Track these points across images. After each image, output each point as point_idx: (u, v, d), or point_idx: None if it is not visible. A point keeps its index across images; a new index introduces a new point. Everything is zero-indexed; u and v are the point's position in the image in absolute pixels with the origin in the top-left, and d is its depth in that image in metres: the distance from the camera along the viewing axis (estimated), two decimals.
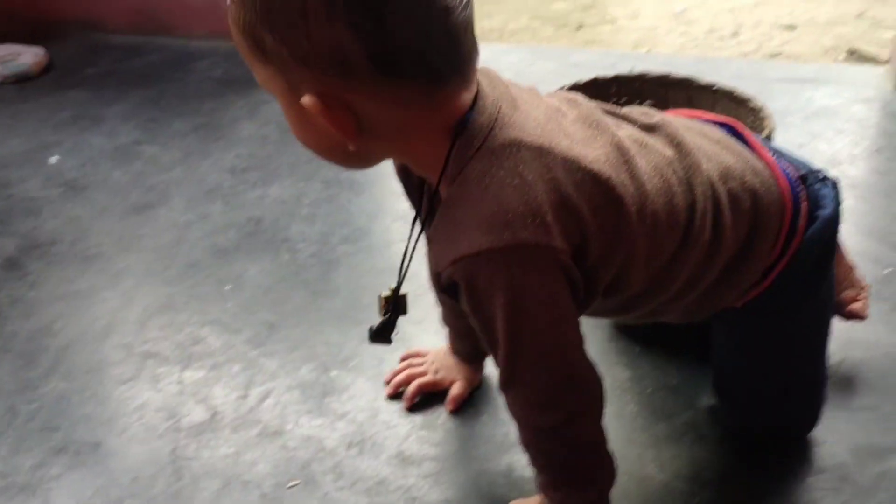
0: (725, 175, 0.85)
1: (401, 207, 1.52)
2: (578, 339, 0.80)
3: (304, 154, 1.73)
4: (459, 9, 0.69)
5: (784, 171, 0.91)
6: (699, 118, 0.96)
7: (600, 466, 0.85)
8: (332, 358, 1.19)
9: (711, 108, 1.44)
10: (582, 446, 0.83)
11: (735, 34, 3.05)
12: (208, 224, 1.52)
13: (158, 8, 2.33)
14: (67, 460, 1.06)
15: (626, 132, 0.82)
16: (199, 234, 1.49)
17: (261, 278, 1.37)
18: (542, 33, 3.17)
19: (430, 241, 0.81)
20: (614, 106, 0.88)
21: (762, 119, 1.29)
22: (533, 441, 0.85)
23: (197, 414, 1.12)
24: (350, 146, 0.73)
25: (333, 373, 1.17)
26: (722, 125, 0.95)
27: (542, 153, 0.73)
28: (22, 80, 2.13)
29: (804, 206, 0.89)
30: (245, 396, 1.14)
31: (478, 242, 0.72)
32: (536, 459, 0.86)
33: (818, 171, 0.93)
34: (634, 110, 0.88)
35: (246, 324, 1.27)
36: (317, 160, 1.61)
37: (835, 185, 0.92)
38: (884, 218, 1.39)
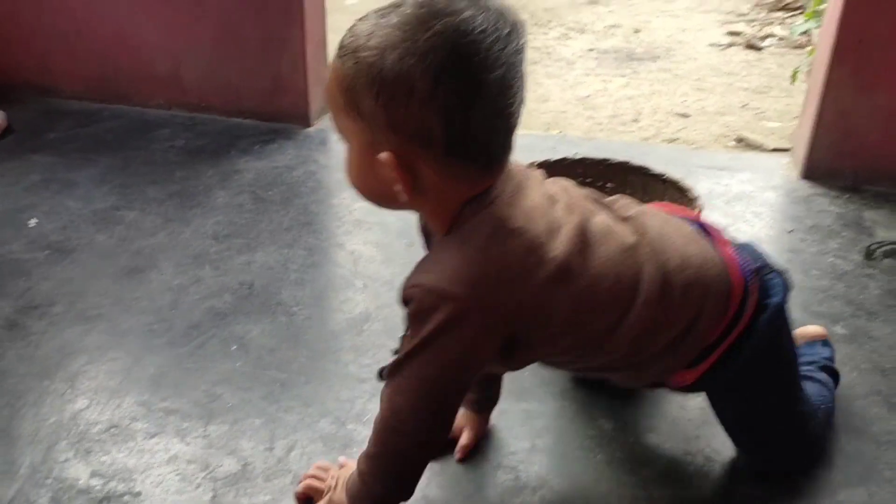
0: (684, 265, 1.03)
1: (385, 274, 1.66)
2: (465, 390, 1.00)
3: (282, 222, 1.86)
4: (516, 114, 0.91)
5: (742, 264, 1.08)
6: (679, 214, 1.16)
7: (403, 489, 1.03)
8: (345, 413, 1.31)
9: (662, 195, 1.67)
10: (410, 464, 1.02)
11: (635, 120, 3.36)
12: (202, 288, 1.60)
13: (117, 76, 2.40)
14: None
15: (599, 219, 1.01)
16: (194, 297, 1.58)
17: (263, 339, 1.47)
18: None
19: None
20: (602, 194, 1.07)
21: (695, 206, 1.51)
22: (380, 425, 1.00)
23: (229, 465, 1.21)
24: (403, 198, 0.92)
25: (350, 426, 1.28)
26: (695, 221, 1.14)
27: (514, 234, 0.93)
28: None
29: (753, 298, 1.07)
30: (272, 448, 1.24)
31: (437, 281, 0.91)
32: (373, 439, 1.02)
33: (769, 265, 1.11)
34: (621, 201, 1.08)
35: (258, 382, 1.37)
36: (296, 229, 1.75)
37: (781, 275, 1.12)
38: (802, 292, 1.62)
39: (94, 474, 1.19)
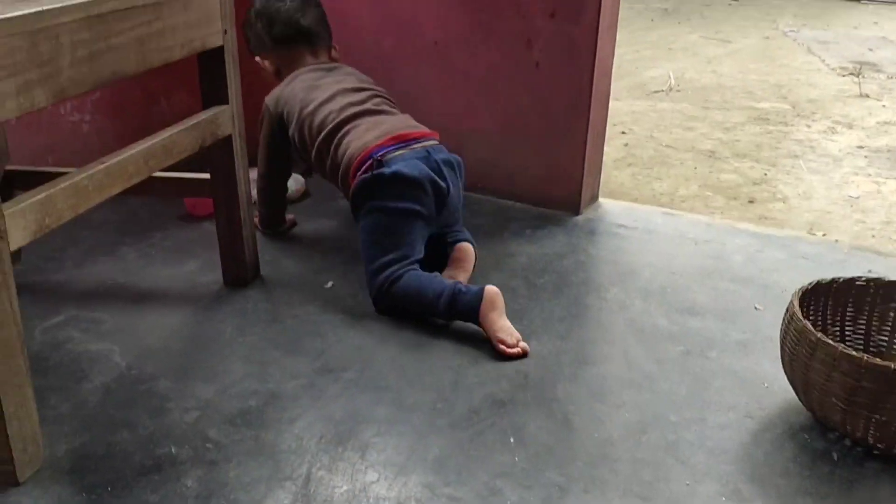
0: (349, 144, 1.96)
1: (661, 385, 1.63)
2: (272, 153, 2.15)
3: (553, 311, 1.89)
4: (302, 20, 2.18)
5: (372, 156, 1.89)
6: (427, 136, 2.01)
7: (262, 201, 2.21)
8: None
9: None
10: (263, 188, 2.20)
11: None
12: (480, 371, 1.65)
13: None
14: None
15: (347, 100, 2.04)
16: (473, 380, 1.63)
17: (540, 436, 1.48)
18: (713, 203, 3.30)
19: None
20: (369, 88, 2.13)
21: None
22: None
23: None
24: (276, 78, 2.21)
25: None
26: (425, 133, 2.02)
27: (298, 83, 2.10)
28: None
29: (360, 172, 1.90)
30: None
31: (266, 98, 2.13)
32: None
33: (381, 166, 1.88)
34: (379, 104, 2.09)
35: (536, 482, 1.38)
36: (568, 320, 1.70)
37: (377, 175, 1.88)
38: None
39: None
